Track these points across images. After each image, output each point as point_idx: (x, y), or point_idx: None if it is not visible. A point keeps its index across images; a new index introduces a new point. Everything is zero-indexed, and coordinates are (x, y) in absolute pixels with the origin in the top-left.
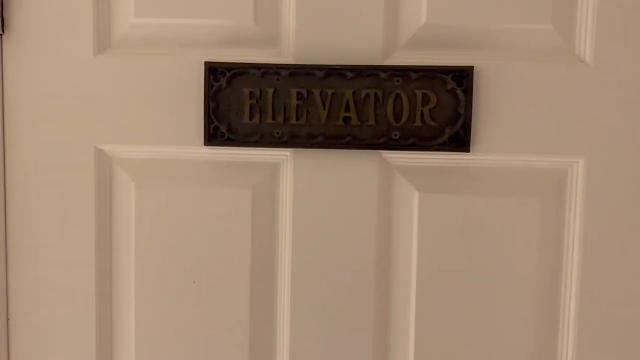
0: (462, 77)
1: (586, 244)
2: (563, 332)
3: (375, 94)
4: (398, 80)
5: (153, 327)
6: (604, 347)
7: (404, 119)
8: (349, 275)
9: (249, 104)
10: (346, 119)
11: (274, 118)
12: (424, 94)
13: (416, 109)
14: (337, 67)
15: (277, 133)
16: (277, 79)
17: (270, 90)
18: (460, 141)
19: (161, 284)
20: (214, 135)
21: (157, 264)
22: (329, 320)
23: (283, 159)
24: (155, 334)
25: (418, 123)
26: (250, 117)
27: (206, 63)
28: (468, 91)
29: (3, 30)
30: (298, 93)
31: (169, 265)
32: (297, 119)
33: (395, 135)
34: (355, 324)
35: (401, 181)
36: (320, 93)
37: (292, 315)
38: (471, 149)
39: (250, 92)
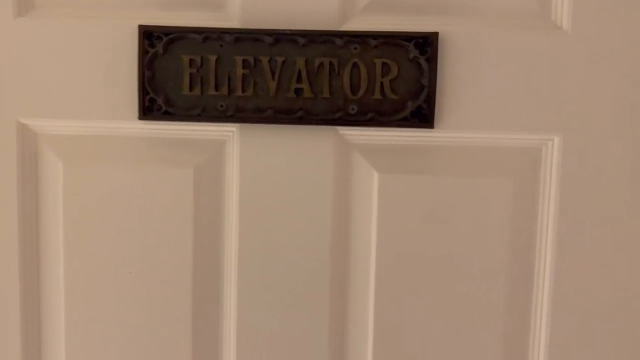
0: (426, 44)
1: (561, 225)
2: (536, 315)
3: (330, 63)
4: (355, 48)
5: (85, 321)
6: (577, 328)
7: (361, 91)
8: (302, 263)
9: (189, 73)
10: (298, 91)
11: (217, 89)
12: (384, 64)
13: (375, 80)
14: (288, 32)
15: (221, 106)
16: (221, 45)
17: (213, 58)
18: (423, 116)
19: (93, 275)
20: (149, 109)
21: (88, 252)
22: (281, 309)
23: (228, 136)
24: (87, 328)
25: (377, 96)
26: (191, 88)
27: (140, 27)
28: (432, 60)
29: None
30: (244, 61)
31: (102, 254)
32: (243, 91)
33: (353, 109)
34: (310, 314)
35: (359, 160)
36: (269, 61)
37: (239, 306)
38: (435, 125)
39: (190, 60)
